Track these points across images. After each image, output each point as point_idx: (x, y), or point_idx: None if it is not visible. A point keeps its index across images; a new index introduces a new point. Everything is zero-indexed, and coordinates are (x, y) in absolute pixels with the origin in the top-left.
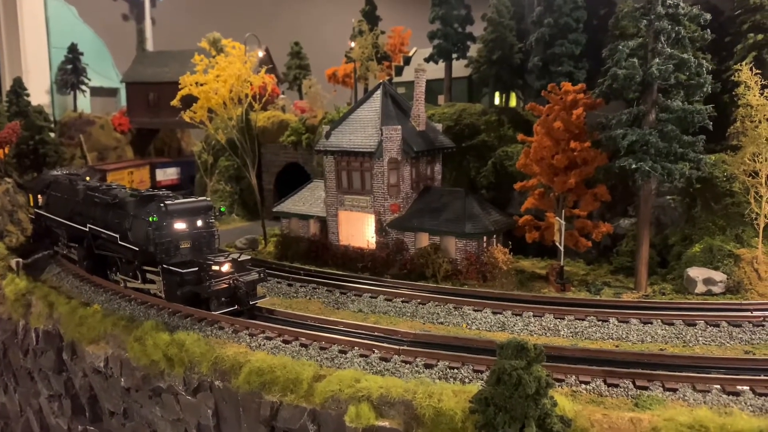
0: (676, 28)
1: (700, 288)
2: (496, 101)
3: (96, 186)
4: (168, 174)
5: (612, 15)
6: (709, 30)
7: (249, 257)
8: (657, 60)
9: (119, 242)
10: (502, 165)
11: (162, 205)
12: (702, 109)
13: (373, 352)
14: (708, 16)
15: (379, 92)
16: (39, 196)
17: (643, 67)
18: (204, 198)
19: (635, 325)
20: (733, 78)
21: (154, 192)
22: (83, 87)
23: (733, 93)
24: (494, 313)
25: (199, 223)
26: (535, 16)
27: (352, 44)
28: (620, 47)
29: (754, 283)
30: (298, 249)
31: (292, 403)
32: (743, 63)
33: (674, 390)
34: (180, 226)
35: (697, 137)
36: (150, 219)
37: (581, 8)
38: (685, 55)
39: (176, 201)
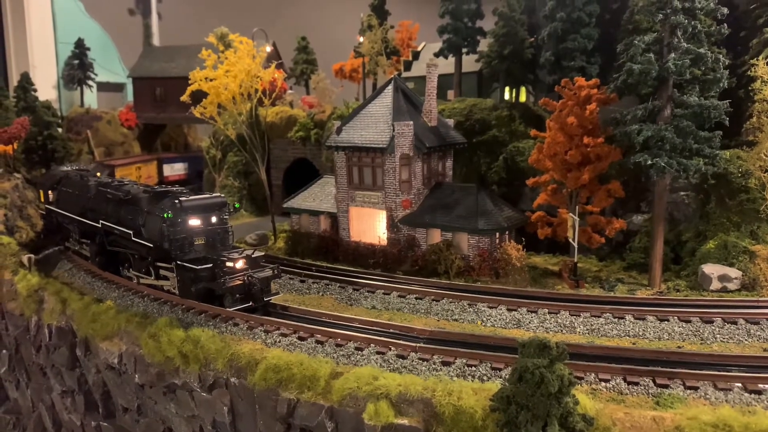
0: (693, 23)
1: (715, 285)
2: (506, 96)
3: (108, 182)
4: (175, 169)
5: (624, 9)
6: (725, 24)
7: (263, 253)
8: (673, 55)
9: (132, 238)
10: (513, 160)
11: (176, 201)
12: (719, 104)
13: (390, 349)
14: (725, 11)
15: (390, 87)
16: (49, 191)
17: (659, 62)
18: (218, 194)
19: (651, 322)
20: (749, 73)
21: (167, 188)
22: (90, 82)
23: (749, 88)
24: (509, 310)
25: (214, 219)
26: (547, 10)
27: (361, 39)
28: (636, 42)
29: None
30: (308, 245)
31: (309, 400)
32: (759, 58)
33: (695, 388)
34: (194, 222)
35: (714, 133)
36: (164, 215)
37: (594, 2)
38: (701, 50)
39: (190, 197)
